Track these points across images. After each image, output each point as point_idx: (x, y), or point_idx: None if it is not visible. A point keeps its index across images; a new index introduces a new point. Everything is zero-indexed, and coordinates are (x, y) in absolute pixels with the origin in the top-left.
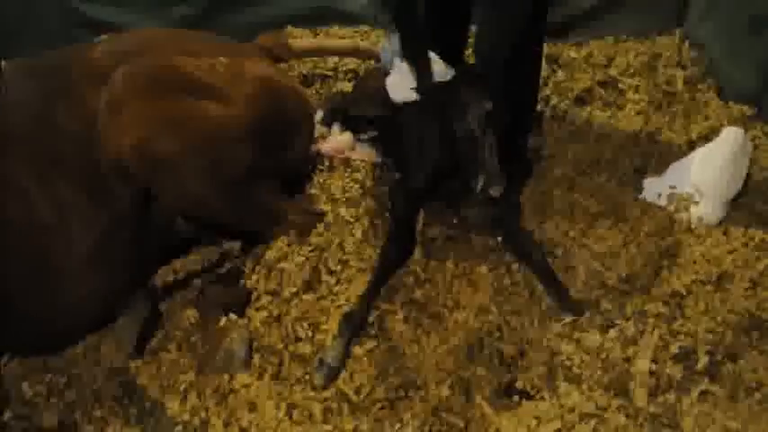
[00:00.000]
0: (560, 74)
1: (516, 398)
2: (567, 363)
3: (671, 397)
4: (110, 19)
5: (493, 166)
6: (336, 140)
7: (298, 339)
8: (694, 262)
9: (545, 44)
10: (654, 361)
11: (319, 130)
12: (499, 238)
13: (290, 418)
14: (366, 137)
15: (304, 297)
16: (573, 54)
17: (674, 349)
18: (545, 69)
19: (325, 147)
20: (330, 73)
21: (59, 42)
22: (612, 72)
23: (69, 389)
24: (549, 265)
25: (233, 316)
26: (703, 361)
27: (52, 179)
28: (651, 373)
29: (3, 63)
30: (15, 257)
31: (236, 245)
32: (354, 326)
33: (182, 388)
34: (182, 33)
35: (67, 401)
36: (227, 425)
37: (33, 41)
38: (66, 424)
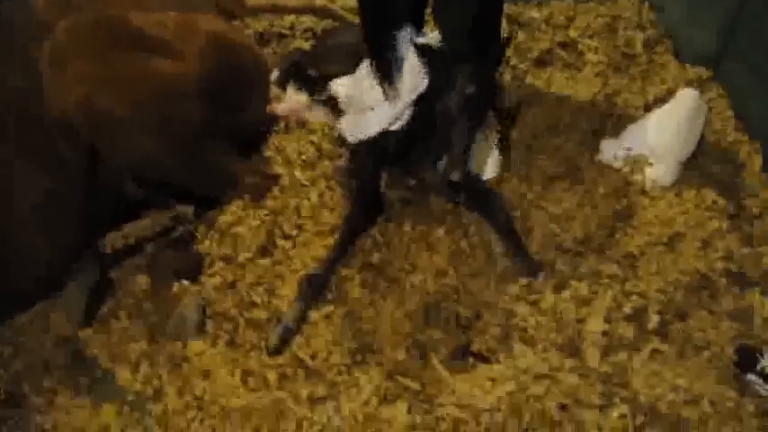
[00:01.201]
0: (521, 34)
1: (472, 360)
2: (522, 324)
3: (623, 356)
4: None
5: (460, 150)
6: (293, 101)
7: (253, 305)
8: (648, 223)
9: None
10: (607, 321)
11: (274, 90)
12: (459, 199)
13: (245, 384)
14: (323, 97)
15: (259, 262)
16: (534, 14)
17: (626, 309)
18: (506, 30)
19: (282, 107)
20: (287, 31)
21: None
22: (572, 33)
23: (16, 358)
24: (513, 226)
25: (185, 282)
26: (654, 320)
27: None
28: (604, 333)
29: None
30: None
31: (189, 209)
32: (315, 289)
33: (133, 357)
34: None
35: (14, 372)
36: (180, 393)
37: None
38: (15, 395)
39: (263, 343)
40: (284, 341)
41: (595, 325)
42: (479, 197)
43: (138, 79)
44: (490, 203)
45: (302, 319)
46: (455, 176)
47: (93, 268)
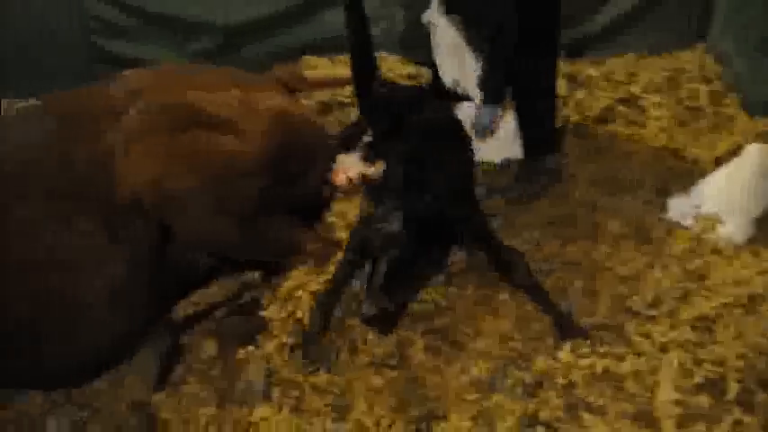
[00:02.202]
0: (580, 92)
1: (540, 429)
2: (588, 393)
3: (701, 428)
4: (131, 54)
5: (374, 289)
6: (353, 170)
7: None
8: (723, 284)
9: (564, 63)
10: (678, 390)
11: (339, 161)
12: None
13: None
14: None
15: None
16: (592, 72)
17: (698, 379)
18: (564, 88)
19: (341, 177)
20: (348, 100)
21: (83, 78)
22: (634, 89)
23: (93, 423)
24: (540, 287)
25: (251, 347)
26: (734, 389)
27: (71, 218)
28: (677, 402)
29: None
30: (35, 294)
31: (255, 275)
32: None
33: (203, 421)
34: (196, 68)
35: None
36: None
37: (58, 78)
38: None
39: (327, 408)
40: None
41: (665, 394)
42: (499, 257)
43: (203, 158)
44: (512, 264)
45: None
46: (366, 311)
47: (164, 334)
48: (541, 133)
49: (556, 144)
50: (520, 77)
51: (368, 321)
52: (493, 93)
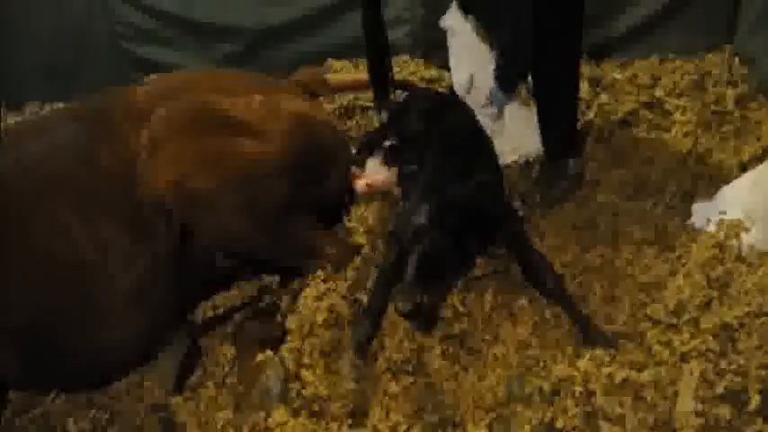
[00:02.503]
0: (603, 96)
1: None
2: (607, 402)
3: None
4: (158, 58)
5: (408, 281)
6: (374, 175)
7: (332, 374)
8: (746, 293)
9: (587, 65)
10: (699, 401)
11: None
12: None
13: None
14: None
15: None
16: (617, 75)
17: (719, 389)
18: (587, 92)
19: (361, 183)
20: (370, 104)
21: (112, 83)
22: (658, 93)
23: (112, 425)
24: (565, 291)
25: (269, 352)
26: (756, 400)
27: (95, 219)
28: (699, 413)
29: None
30: (59, 295)
31: (275, 278)
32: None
33: (220, 425)
34: (219, 72)
35: None
36: None
37: (88, 83)
38: None
39: (344, 413)
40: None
41: (685, 404)
42: (530, 261)
43: (226, 160)
44: (535, 268)
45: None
46: (402, 307)
47: (184, 338)
48: (562, 136)
49: (577, 148)
50: (540, 78)
51: (407, 317)
52: (504, 81)
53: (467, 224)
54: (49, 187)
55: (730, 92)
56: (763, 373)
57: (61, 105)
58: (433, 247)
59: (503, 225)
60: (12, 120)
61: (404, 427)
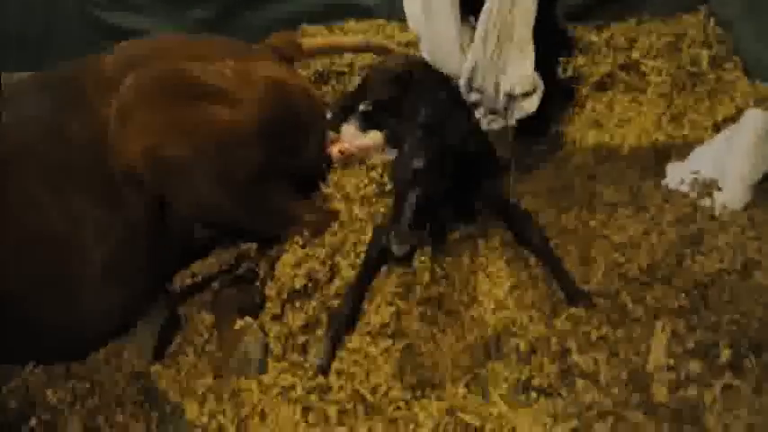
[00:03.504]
0: (580, 59)
1: (534, 395)
2: (582, 359)
3: (692, 392)
4: (128, 25)
5: (404, 224)
6: (348, 141)
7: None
8: (718, 250)
9: None
10: (672, 355)
11: (330, 132)
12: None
13: (306, 420)
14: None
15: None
16: (593, 38)
17: (690, 344)
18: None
19: (335, 149)
20: (345, 69)
21: (83, 51)
22: (635, 55)
23: (92, 395)
24: (551, 249)
25: (248, 318)
26: (726, 354)
27: (66, 191)
28: (670, 367)
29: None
30: (33, 269)
31: (253, 246)
32: (340, 324)
33: (200, 392)
34: (191, 38)
35: (90, 407)
36: (242, 429)
37: (58, 52)
38: (90, 429)
39: (323, 379)
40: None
41: (658, 359)
42: (510, 219)
43: (198, 128)
44: (522, 225)
45: (330, 354)
46: (397, 250)
47: (162, 306)
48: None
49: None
50: None
51: (399, 260)
52: None
53: (461, 169)
54: (19, 158)
55: (705, 53)
56: (734, 328)
57: (27, 74)
58: (431, 190)
59: (490, 175)
60: None
61: (383, 388)
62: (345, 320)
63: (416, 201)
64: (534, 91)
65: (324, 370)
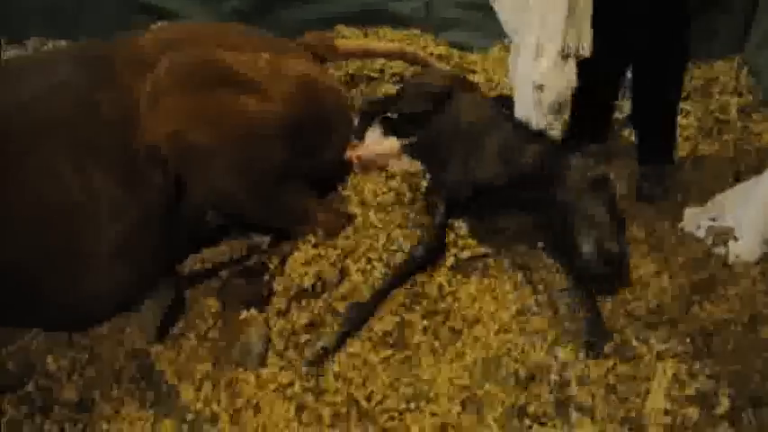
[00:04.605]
0: None
1: (528, 422)
2: (580, 392)
3: None
4: (165, 7)
5: (590, 247)
6: (373, 147)
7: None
8: (727, 300)
9: None
10: (670, 400)
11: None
12: (540, 244)
13: (299, 419)
14: (409, 142)
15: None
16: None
17: (689, 390)
18: None
19: (357, 155)
20: (376, 74)
21: (117, 28)
22: None
23: (91, 366)
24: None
25: (253, 310)
26: (725, 404)
27: (88, 165)
28: (668, 411)
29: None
30: (47, 239)
31: (265, 239)
32: (359, 317)
33: (198, 377)
34: (227, 27)
35: (88, 378)
36: (235, 421)
37: (91, 27)
38: (85, 400)
39: (320, 379)
40: (314, 363)
41: (656, 402)
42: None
43: (226, 117)
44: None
45: (337, 343)
46: (598, 270)
47: (169, 288)
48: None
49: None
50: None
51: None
52: None
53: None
54: (47, 128)
55: (735, 101)
56: (735, 379)
57: (63, 44)
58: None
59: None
60: (12, 53)
61: (379, 396)
62: (365, 317)
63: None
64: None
65: (327, 352)
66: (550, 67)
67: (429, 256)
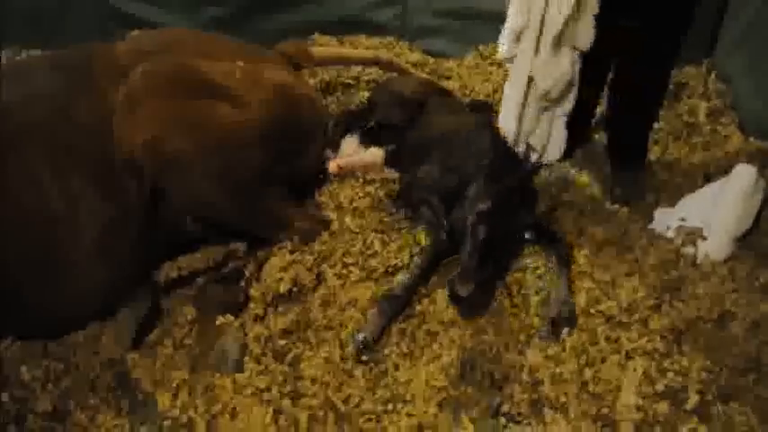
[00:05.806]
0: None
1: (503, 421)
2: (553, 391)
3: None
4: (143, 15)
5: (470, 265)
6: (348, 155)
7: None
8: (697, 298)
9: None
10: (641, 396)
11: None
12: (527, 235)
13: (276, 423)
14: (390, 151)
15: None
16: None
17: (659, 386)
18: None
19: (333, 164)
20: (352, 82)
21: (95, 37)
22: None
23: (66, 376)
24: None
25: (229, 317)
26: (694, 400)
27: (66, 171)
28: (639, 408)
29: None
30: (24, 245)
31: (242, 245)
32: (395, 308)
33: (174, 384)
34: (204, 36)
35: (63, 388)
36: (211, 427)
37: (70, 36)
38: (60, 410)
39: (298, 384)
40: (360, 353)
41: (628, 398)
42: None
43: (202, 124)
44: (559, 246)
45: (379, 333)
46: (462, 291)
47: (145, 296)
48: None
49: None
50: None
51: (460, 300)
52: None
53: (516, 208)
54: (24, 135)
55: (703, 105)
56: (704, 375)
57: (39, 53)
58: (494, 231)
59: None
60: None
61: (356, 399)
62: (402, 303)
63: (481, 242)
64: None
65: (367, 344)
66: (545, 59)
67: (442, 248)
